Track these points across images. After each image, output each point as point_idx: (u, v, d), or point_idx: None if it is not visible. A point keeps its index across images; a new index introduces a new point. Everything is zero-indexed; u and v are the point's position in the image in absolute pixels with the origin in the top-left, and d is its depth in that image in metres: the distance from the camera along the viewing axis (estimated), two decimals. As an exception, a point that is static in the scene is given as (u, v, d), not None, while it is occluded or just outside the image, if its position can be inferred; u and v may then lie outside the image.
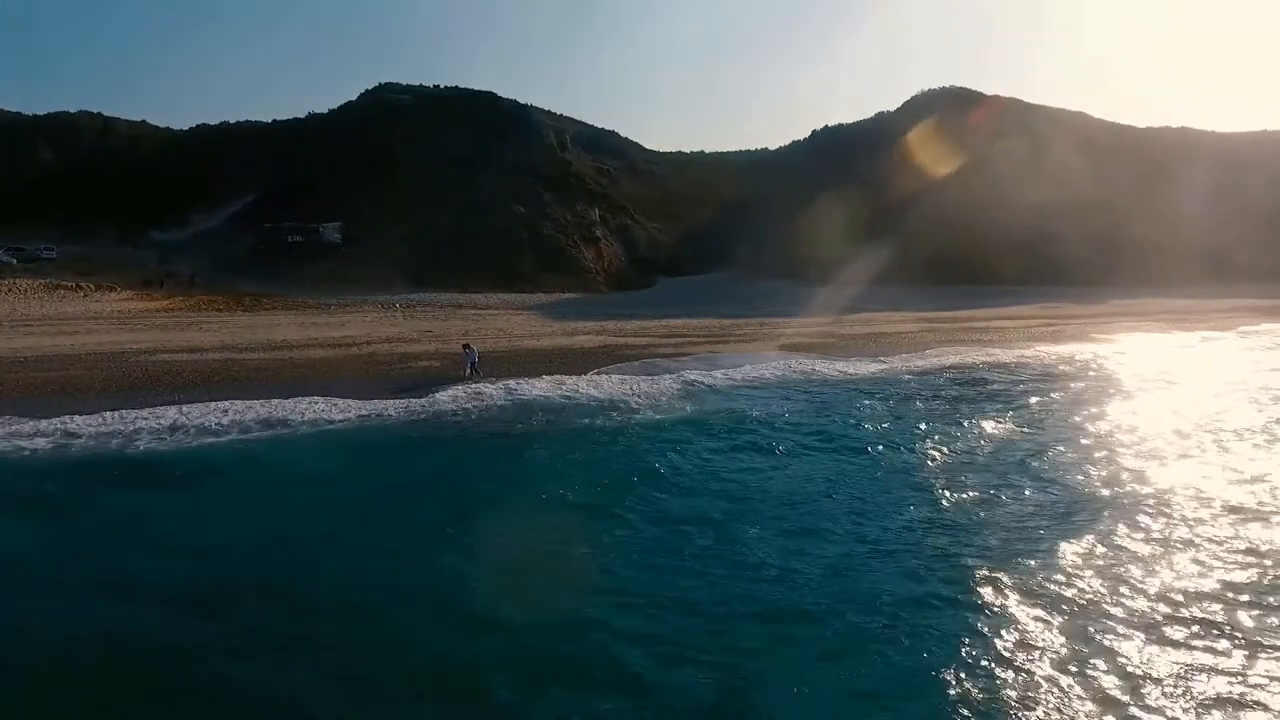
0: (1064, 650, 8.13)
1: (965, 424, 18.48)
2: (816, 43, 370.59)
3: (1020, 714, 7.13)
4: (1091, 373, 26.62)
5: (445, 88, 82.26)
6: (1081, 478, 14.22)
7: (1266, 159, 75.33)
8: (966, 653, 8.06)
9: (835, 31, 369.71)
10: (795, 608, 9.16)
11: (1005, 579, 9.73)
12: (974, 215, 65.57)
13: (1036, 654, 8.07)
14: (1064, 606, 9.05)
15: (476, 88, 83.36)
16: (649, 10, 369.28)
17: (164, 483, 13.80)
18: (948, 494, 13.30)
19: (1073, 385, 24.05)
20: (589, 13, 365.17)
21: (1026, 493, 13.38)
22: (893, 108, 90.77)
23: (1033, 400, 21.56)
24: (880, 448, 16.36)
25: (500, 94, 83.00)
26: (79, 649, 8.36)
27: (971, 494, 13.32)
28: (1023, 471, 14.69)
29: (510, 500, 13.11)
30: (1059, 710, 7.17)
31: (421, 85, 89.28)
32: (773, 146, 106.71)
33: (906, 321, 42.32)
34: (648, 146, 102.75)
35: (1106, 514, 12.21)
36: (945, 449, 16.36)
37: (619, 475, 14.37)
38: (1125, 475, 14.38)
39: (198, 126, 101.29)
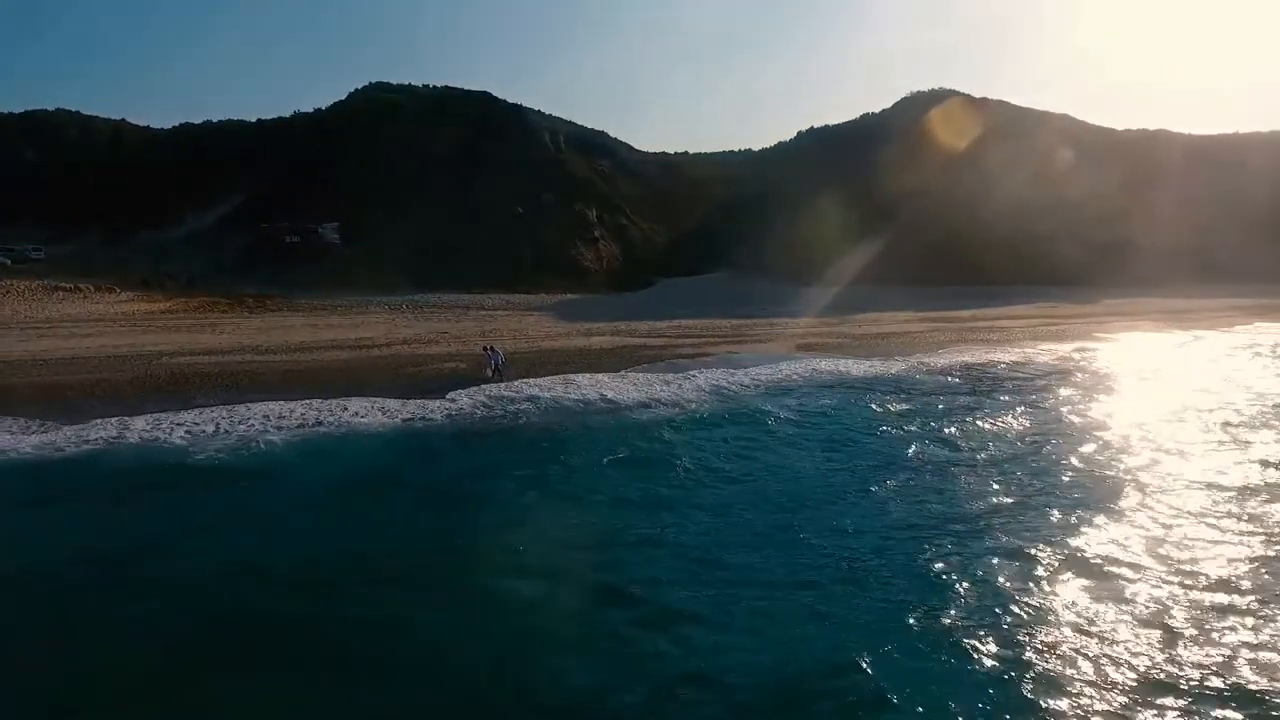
0: (1111, 612, 8.91)
1: (1003, 417, 19.01)
2: (795, 45, 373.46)
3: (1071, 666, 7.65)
4: (1103, 370, 27.27)
5: (439, 87, 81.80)
6: (1118, 461, 15.08)
7: (1242, 161, 77.36)
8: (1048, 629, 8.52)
9: (812, 33, 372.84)
10: (900, 591, 9.50)
11: (1079, 558, 10.39)
12: (966, 216, 66.62)
13: (1086, 614, 8.77)
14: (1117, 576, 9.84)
15: (465, 87, 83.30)
16: (630, 12, 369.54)
17: (237, 484, 13.77)
18: (1010, 480, 13.84)
19: (1089, 381, 24.73)
20: (571, 14, 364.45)
21: (1077, 478, 14.00)
22: (877, 109, 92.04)
23: (1057, 395, 22.24)
24: (934, 440, 16.75)
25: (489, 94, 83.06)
26: (207, 630, 8.64)
27: (1031, 480, 13.92)
28: (1067, 459, 15.32)
29: (591, 497, 13.23)
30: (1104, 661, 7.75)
31: (411, 85, 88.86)
32: (756, 148, 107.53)
33: (912, 321, 42.94)
34: (636, 147, 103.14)
35: (1144, 495, 12.96)
36: (994, 441, 16.84)
37: (690, 471, 14.57)
38: (1156, 461, 15.10)
39: (181, 125, 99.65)
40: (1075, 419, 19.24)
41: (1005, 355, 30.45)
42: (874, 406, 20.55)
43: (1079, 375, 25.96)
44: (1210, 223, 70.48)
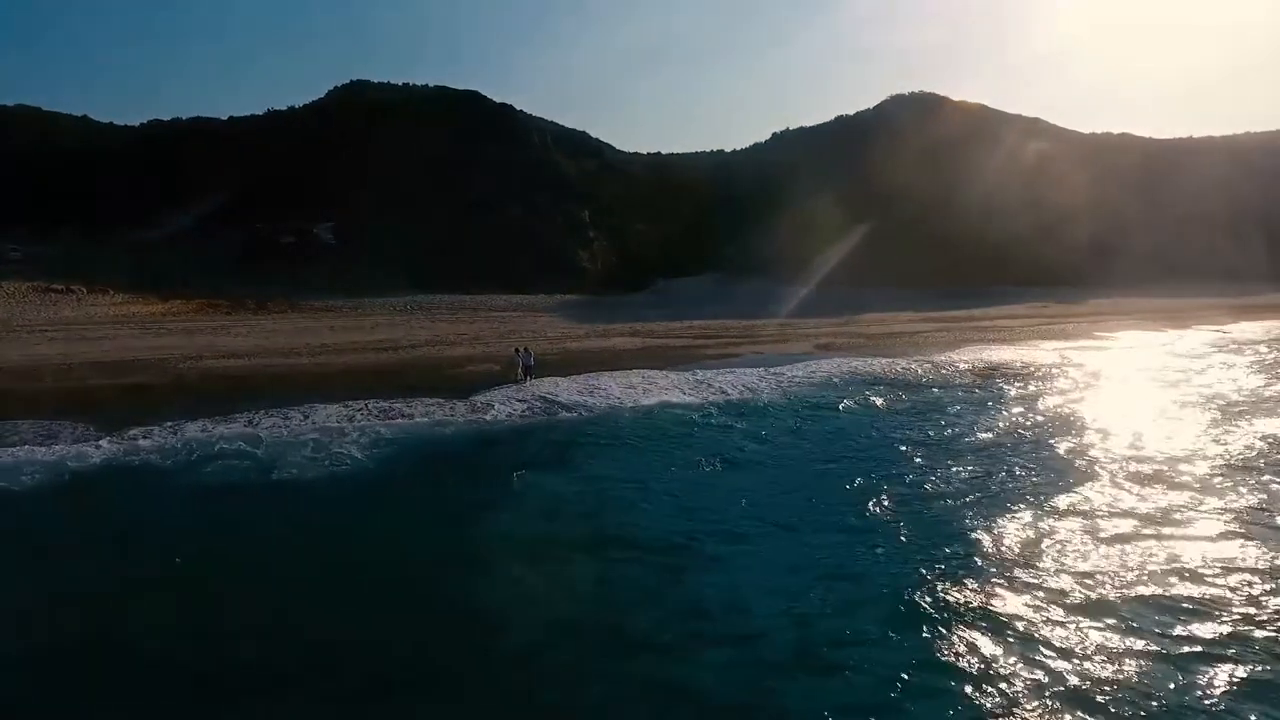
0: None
1: (1042, 407, 19.81)
2: (771, 45, 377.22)
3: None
4: (1116, 366, 28.24)
5: (423, 86, 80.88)
6: (1162, 442, 15.81)
7: (1212, 164, 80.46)
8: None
9: (790, 34, 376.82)
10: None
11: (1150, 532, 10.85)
12: (956, 218, 68.13)
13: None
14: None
15: (444, 85, 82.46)
16: (609, 14, 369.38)
17: (335, 488, 13.56)
18: (1076, 460, 14.33)
19: (1110, 376, 25.79)
20: (549, 14, 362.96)
21: (1134, 456, 14.79)
22: (852, 111, 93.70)
23: (1088, 386, 23.43)
24: (986, 430, 17.21)
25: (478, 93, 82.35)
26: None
27: (1096, 459, 14.64)
28: (1122, 441, 16.18)
29: (697, 492, 13.29)
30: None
31: (391, 83, 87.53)
32: (729, 149, 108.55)
33: (915, 321, 43.78)
34: (618, 148, 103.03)
35: (1196, 469, 13.82)
36: (1042, 427, 17.57)
37: (767, 461, 14.82)
38: (1196, 442, 16.08)
39: (150, 123, 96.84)
40: (1115, 406, 20.22)
41: (1019, 353, 31.26)
42: (916, 401, 21.06)
43: (1100, 370, 26.92)
44: (1183, 224, 73.11)
